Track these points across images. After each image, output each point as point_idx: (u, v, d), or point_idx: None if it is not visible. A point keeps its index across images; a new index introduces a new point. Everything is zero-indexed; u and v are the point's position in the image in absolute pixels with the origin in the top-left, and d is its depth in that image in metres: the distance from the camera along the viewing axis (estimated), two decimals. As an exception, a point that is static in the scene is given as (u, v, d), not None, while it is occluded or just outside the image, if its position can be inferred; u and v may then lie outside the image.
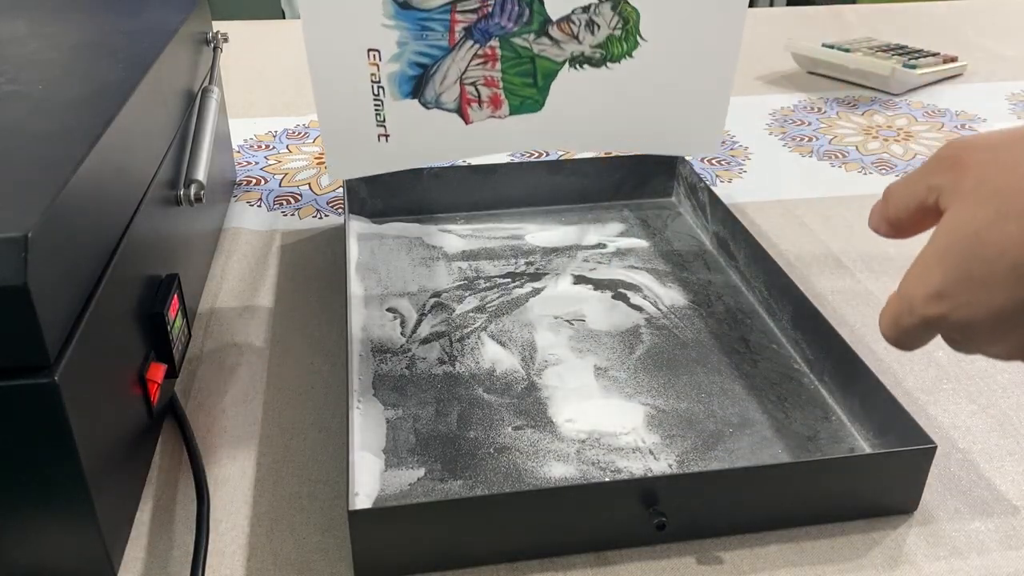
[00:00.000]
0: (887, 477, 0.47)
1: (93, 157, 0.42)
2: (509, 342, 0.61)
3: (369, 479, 0.49)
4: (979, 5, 1.48)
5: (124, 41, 0.59)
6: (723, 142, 0.95)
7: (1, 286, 0.34)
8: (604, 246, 0.73)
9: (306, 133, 0.96)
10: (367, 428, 0.53)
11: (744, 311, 0.65)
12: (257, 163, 0.89)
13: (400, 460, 0.51)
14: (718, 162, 0.91)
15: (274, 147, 0.93)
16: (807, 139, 0.97)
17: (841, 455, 0.51)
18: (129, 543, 0.46)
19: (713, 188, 0.78)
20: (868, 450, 0.51)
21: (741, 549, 0.47)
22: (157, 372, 0.50)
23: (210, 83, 0.73)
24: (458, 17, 0.58)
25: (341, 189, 0.82)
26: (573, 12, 0.58)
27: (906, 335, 0.33)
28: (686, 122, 0.63)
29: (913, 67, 1.08)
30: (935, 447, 0.47)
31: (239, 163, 0.89)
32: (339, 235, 0.75)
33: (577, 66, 0.61)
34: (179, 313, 0.55)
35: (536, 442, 0.52)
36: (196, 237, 0.66)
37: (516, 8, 0.58)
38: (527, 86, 0.61)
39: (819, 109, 1.05)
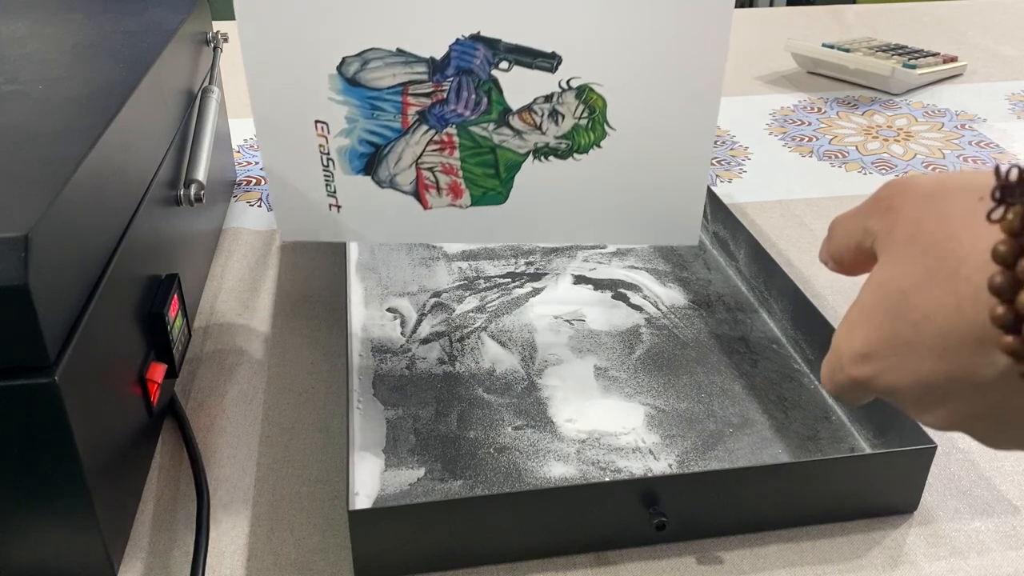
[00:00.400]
0: (887, 477, 0.47)
1: (93, 157, 0.42)
2: (509, 342, 0.61)
3: (369, 479, 0.49)
4: (979, 5, 1.49)
5: (124, 41, 0.59)
6: (722, 143, 0.95)
7: (1, 286, 0.34)
8: (604, 246, 0.73)
9: (306, 133, 0.96)
10: (367, 428, 0.53)
11: (744, 311, 0.65)
12: (257, 163, 0.89)
13: (400, 460, 0.51)
14: (718, 162, 0.91)
15: (274, 147, 0.92)
16: (807, 139, 0.97)
17: (841, 455, 0.51)
18: (129, 543, 0.46)
19: (713, 188, 0.78)
20: (868, 450, 0.51)
21: (741, 549, 0.47)
22: (157, 372, 0.50)
23: (210, 83, 0.73)
24: (410, 100, 0.53)
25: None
26: (534, 101, 0.53)
27: (842, 392, 0.30)
28: (661, 212, 0.57)
29: (913, 67, 1.08)
30: (935, 447, 0.47)
31: (239, 163, 0.89)
32: (339, 235, 0.75)
33: (542, 158, 0.55)
34: (179, 313, 0.55)
35: (536, 442, 0.52)
36: (196, 237, 0.66)
37: (473, 96, 0.53)
38: (489, 177, 0.56)
39: (819, 109, 1.05)
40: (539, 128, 0.54)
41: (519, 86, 0.53)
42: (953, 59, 1.14)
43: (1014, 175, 0.23)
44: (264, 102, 0.54)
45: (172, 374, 0.53)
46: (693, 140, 0.54)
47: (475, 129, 0.54)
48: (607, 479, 0.50)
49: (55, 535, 0.41)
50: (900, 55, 1.13)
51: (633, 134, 0.54)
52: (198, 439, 0.53)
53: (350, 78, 0.52)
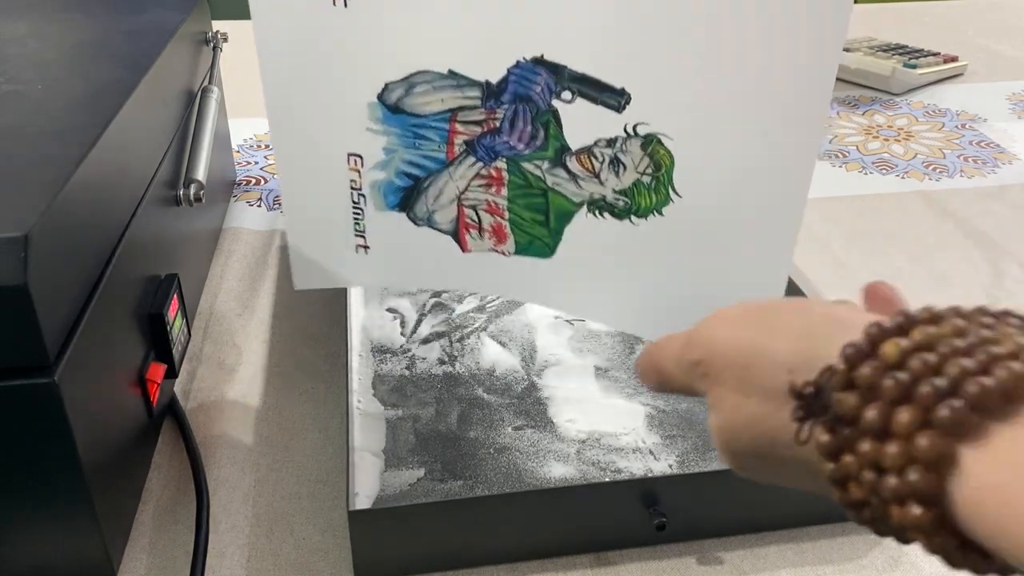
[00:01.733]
0: (887, 477, 0.47)
1: (93, 157, 0.42)
2: (509, 342, 0.61)
3: (369, 479, 0.49)
4: (979, 5, 1.48)
5: (124, 41, 0.59)
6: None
7: (1, 286, 0.34)
8: (604, 246, 0.73)
9: (306, 133, 0.96)
10: (367, 428, 0.53)
11: (744, 311, 0.64)
12: (257, 163, 0.89)
13: (400, 460, 0.51)
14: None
15: (274, 147, 0.93)
16: (807, 139, 0.97)
17: (841, 455, 0.51)
18: (129, 543, 0.46)
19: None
20: (868, 450, 0.51)
21: (741, 549, 0.46)
22: (157, 372, 0.50)
23: (210, 83, 0.73)
24: (459, 128, 0.47)
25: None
26: (596, 144, 0.46)
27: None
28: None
29: (913, 67, 1.08)
30: (935, 447, 0.47)
31: (239, 163, 0.89)
32: (339, 235, 0.75)
33: (596, 212, 0.48)
34: (179, 313, 0.55)
35: (536, 442, 0.52)
36: (196, 237, 0.66)
37: (528, 128, 0.46)
38: (537, 223, 0.50)
39: (819, 109, 1.05)
40: (597, 176, 0.47)
41: (581, 123, 0.46)
42: (954, 59, 1.14)
43: (810, 390, 0.24)
44: (289, 139, 0.49)
45: (172, 374, 0.53)
46: (772, 229, 0.45)
47: (527, 166, 0.48)
48: (607, 479, 0.50)
49: (55, 535, 0.41)
50: (900, 55, 1.13)
51: (699, 207, 0.46)
52: (198, 439, 0.53)
53: (392, 104, 0.47)
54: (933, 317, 0.23)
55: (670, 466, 0.51)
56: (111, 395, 0.44)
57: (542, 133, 0.47)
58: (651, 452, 0.52)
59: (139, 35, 0.60)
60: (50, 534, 0.41)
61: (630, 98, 0.44)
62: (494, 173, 0.49)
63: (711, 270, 0.47)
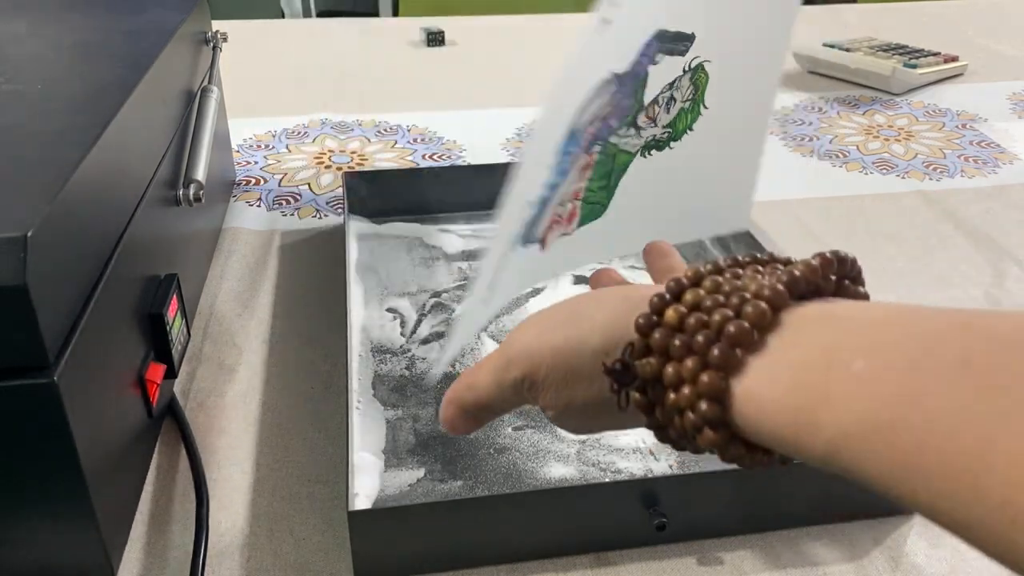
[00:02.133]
0: (887, 477, 0.47)
1: (93, 157, 0.42)
2: (509, 342, 0.61)
3: (369, 479, 0.49)
4: (979, 5, 1.48)
5: (124, 41, 0.59)
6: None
7: (1, 286, 0.34)
8: (604, 246, 0.73)
9: (305, 133, 0.96)
10: (367, 428, 0.53)
11: (744, 311, 0.64)
12: (256, 163, 0.89)
13: (400, 460, 0.51)
14: (718, 162, 0.91)
15: (273, 147, 0.93)
16: (808, 139, 0.97)
17: (841, 455, 0.51)
18: (129, 543, 0.46)
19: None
20: (868, 450, 0.51)
21: (741, 549, 0.46)
22: (156, 372, 0.50)
23: (210, 83, 0.73)
24: (590, 128, 0.43)
25: (340, 189, 0.82)
26: (661, 92, 0.46)
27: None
28: (723, 199, 0.52)
29: (914, 67, 1.08)
30: (935, 447, 0.47)
31: (239, 163, 0.89)
32: (339, 235, 0.75)
33: (646, 153, 0.48)
34: (178, 313, 0.55)
35: (536, 442, 0.52)
36: (196, 237, 0.66)
37: (627, 101, 0.44)
38: (601, 189, 0.48)
39: (820, 109, 1.05)
40: (655, 120, 0.47)
41: (654, 78, 0.45)
42: (954, 59, 1.14)
43: (618, 366, 0.29)
44: (515, 205, 0.40)
45: (171, 374, 0.53)
46: (759, 116, 0.51)
47: (613, 139, 0.46)
48: (607, 479, 0.50)
49: (54, 535, 0.41)
50: (901, 55, 1.13)
51: (718, 114, 0.49)
52: (197, 439, 0.53)
53: (573, 128, 0.41)
54: (696, 278, 0.28)
55: (670, 466, 0.51)
56: (111, 395, 0.44)
57: (632, 102, 0.46)
58: (651, 452, 0.52)
59: (139, 35, 0.60)
60: (50, 534, 0.41)
61: (693, 38, 0.46)
62: (589, 159, 0.46)
63: (719, 163, 0.51)
